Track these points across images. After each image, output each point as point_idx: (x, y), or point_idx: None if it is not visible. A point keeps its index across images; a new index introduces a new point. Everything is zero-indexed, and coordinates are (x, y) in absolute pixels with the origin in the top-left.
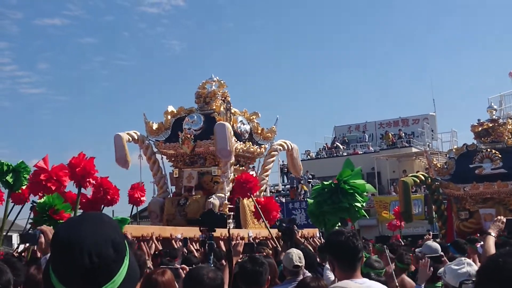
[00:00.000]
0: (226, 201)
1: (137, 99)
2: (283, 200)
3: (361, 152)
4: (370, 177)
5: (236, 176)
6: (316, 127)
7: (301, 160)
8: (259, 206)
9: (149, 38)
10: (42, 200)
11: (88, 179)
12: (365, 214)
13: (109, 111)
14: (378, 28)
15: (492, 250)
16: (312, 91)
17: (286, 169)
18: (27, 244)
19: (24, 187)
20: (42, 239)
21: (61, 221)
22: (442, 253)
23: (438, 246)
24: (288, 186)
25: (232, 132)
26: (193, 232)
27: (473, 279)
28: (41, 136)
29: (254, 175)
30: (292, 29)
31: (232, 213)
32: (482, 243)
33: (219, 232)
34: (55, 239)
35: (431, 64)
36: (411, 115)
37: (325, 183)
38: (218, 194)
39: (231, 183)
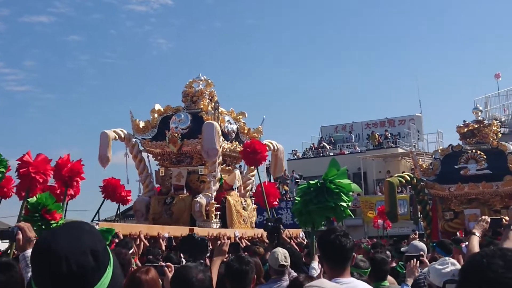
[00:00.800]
0: (213, 201)
1: (124, 98)
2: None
3: (348, 152)
4: (356, 177)
5: (245, 143)
6: (303, 127)
7: (287, 160)
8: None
9: (137, 37)
10: (34, 199)
11: (75, 179)
12: (351, 214)
13: (96, 109)
14: (365, 29)
15: (476, 249)
16: (299, 91)
17: None
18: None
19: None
20: (20, 236)
21: (53, 221)
22: (422, 253)
23: (423, 246)
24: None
25: (220, 132)
26: (180, 231)
27: (457, 279)
28: (27, 134)
29: (238, 175)
30: (280, 30)
31: (218, 212)
32: (467, 243)
33: (207, 231)
34: (35, 247)
35: (417, 65)
36: (398, 115)
37: (311, 182)
38: (204, 193)
39: (217, 183)
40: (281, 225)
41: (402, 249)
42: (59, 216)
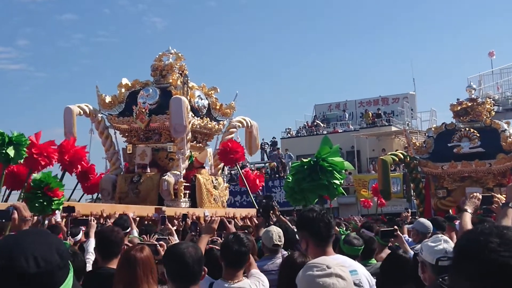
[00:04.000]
0: (182, 179)
1: (116, 76)
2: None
3: (341, 131)
4: (349, 155)
5: (222, 143)
6: (297, 105)
7: (281, 138)
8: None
9: (130, 15)
10: (38, 176)
11: (77, 165)
12: (343, 191)
13: (88, 88)
14: (359, 7)
15: (469, 226)
16: (293, 70)
17: (267, 146)
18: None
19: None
20: (16, 215)
21: (55, 198)
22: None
23: (429, 224)
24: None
25: (189, 107)
26: (147, 210)
27: (449, 256)
28: (20, 112)
29: (210, 153)
30: (275, 9)
31: (187, 191)
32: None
33: (174, 211)
34: None
35: (411, 43)
36: (391, 94)
37: (304, 160)
38: (173, 171)
39: (186, 160)
40: (274, 202)
41: (408, 226)
42: (61, 194)
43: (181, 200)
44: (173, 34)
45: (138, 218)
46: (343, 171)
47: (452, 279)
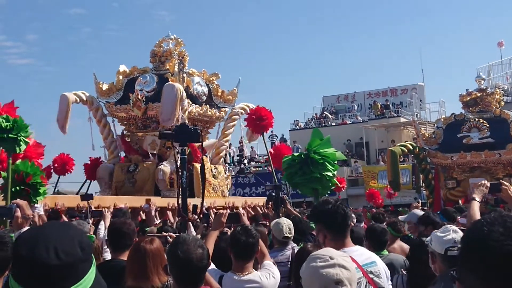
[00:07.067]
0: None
1: None
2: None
3: (350, 122)
4: (358, 147)
5: (250, 109)
6: (305, 97)
7: (289, 130)
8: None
9: (138, 9)
10: (18, 165)
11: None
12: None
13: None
14: None
15: (477, 215)
16: (301, 61)
17: (276, 139)
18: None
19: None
20: (18, 213)
21: (42, 186)
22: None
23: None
24: None
25: (184, 94)
26: (140, 201)
27: (459, 246)
28: (29, 107)
29: (216, 144)
30: (282, 0)
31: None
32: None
33: (167, 201)
34: (18, 240)
35: (420, 34)
36: (400, 85)
37: (295, 154)
38: (169, 161)
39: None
40: (285, 196)
41: (400, 217)
42: (46, 181)
43: (177, 190)
44: (180, 28)
45: (129, 210)
46: (336, 161)
47: (460, 272)
